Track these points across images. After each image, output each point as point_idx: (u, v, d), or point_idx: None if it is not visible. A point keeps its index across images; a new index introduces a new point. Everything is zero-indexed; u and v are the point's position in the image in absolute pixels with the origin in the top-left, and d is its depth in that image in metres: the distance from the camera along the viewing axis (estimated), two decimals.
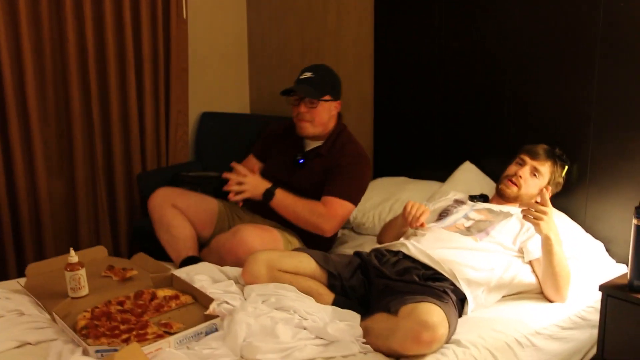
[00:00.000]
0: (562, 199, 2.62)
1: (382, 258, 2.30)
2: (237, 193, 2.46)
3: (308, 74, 2.61)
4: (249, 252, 2.31)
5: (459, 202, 2.62)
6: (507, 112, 2.82)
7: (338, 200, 2.55)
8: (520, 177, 2.50)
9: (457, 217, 2.48)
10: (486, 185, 2.85)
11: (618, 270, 2.42)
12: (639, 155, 2.43)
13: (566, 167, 2.58)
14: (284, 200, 2.52)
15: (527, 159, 2.53)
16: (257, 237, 2.48)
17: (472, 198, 2.64)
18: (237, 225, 2.56)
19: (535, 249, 2.28)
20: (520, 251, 2.33)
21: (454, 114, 3.02)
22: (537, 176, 2.51)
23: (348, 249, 2.76)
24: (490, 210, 2.49)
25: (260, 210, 2.72)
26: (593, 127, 2.55)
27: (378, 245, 2.44)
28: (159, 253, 2.71)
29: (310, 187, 2.62)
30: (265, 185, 2.52)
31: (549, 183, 2.53)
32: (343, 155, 2.63)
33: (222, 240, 2.54)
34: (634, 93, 2.41)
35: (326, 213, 2.52)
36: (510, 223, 2.39)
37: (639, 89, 2.39)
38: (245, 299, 2.07)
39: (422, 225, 2.39)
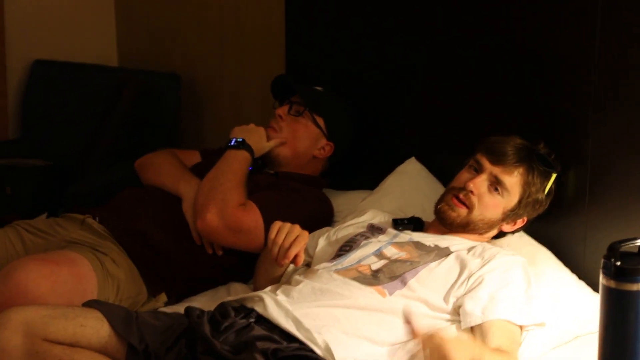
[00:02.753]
0: (548, 228, 2.61)
1: (222, 321, 2.23)
2: None
3: (318, 87, 3.05)
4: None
5: (374, 230, 2.58)
6: (473, 81, 2.86)
7: (258, 212, 2.71)
8: (472, 192, 2.45)
9: (365, 253, 2.44)
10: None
11: None
12: None
13: (553, 176, 2.51)
14: (238, 163, 2.79)
15: (485, 162, 2.47)
16: (43, 277, 2.43)
17: (397, 223, 2.60)
18: (11, 263, 2.51)
19: (476, 309, 2.23)
20: (457, 312, 2.29)
21: (394, 85, 3.09)
22: (499, 191, 2.45)
23: None
24: (418, 245, 2.44)
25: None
26: (593, 106, 2.49)
27: (228, 299, 2.39)
28: None
29: None
30: (246, 135, 2.85)
31: (520, 202, 2.47)
32: (298, 184, 2.91)
33: None
34: None
35: (238, 208, 2.70)
36: (443, 266, 2.34)
37: None
38: None
39: (296, 261, 2.34)
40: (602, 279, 1.87)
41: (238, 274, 2.84)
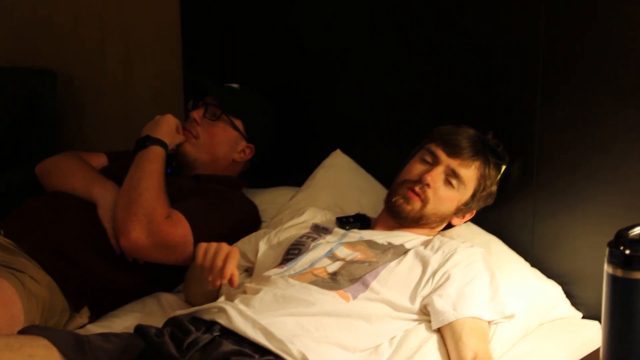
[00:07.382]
0: (494, 216, 2.63)
1: (184, 337, 2.16)
2: None
3: (234, 85, 2.98)
4: None
5: (320, 230, 2.56)
6: (401, 68, 2.85)
7: (186, 224, 2.65)
8: (428, 185, 2.45)
9: (316, 256, 2.41)
10: (372, 192, 2.83)
11: (586, 333, 2.42)
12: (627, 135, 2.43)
13: (503, 167, 2.56)
14: (150, 163, 2.69)
15: (441, 154, 2.48)
16: None
17: (343, 222, 2.59)
18: None
19: (447, 307, 2.24)
20: (424, 311, 2.30)
21: (309, 75, 3.09)
22: (454, 185, 2.46)
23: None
24: (370, 244, 2.43)
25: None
26: (541, 91, 2.53)
27: (179, 312, 2.31)
28: None
29: None
30: (153, 129, 2.78)
31: (474, 196, 2.50)
32: (222, 187, 2.87)
33: None
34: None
35: (165, 222, 2.62)
36: (404, 265, 2.34)
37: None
38: None
39: (232, 282, 2.30)
40: (607, 268, 1.85)
41: (163, 282, 2.76)
